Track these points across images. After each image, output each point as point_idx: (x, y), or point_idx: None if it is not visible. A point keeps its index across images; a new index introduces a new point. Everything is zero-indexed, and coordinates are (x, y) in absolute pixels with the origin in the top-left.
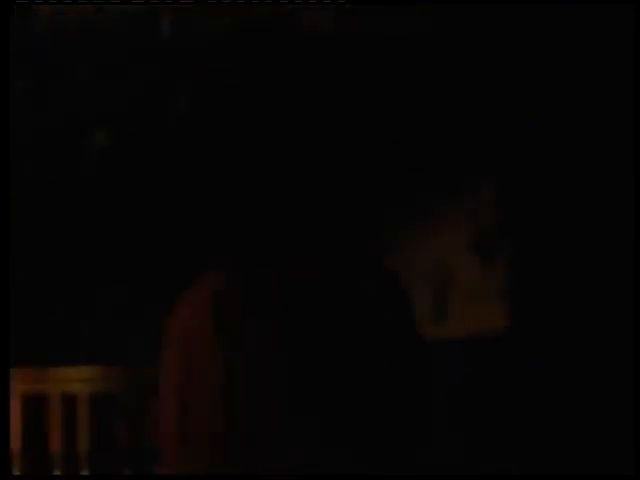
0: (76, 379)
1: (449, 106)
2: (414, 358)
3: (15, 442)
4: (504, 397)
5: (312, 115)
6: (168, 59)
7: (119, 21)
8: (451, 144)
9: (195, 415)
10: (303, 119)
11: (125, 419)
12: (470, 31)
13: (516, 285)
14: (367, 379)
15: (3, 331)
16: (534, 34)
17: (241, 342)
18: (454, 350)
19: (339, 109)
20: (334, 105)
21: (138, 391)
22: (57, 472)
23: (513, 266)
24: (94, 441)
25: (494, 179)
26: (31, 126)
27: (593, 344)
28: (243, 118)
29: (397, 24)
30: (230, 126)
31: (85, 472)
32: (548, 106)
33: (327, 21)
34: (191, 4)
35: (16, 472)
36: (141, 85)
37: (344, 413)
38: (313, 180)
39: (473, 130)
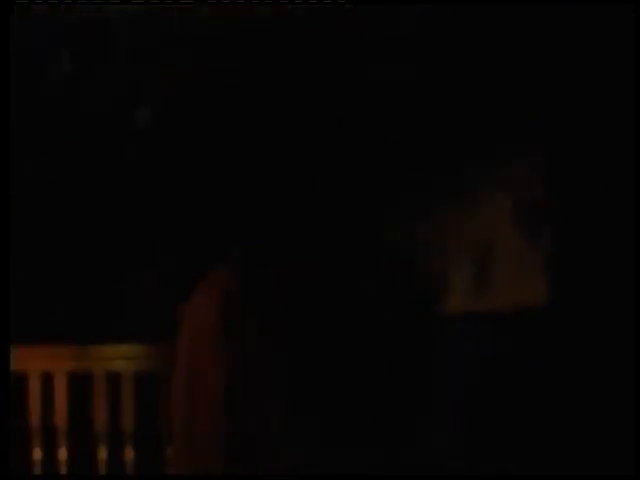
0: (121, 357)
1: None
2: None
3: (60, 420)
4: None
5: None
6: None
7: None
8: (500, 114)
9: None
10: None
11: (169, 398)
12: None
13: (561, 256)
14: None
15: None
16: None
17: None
18: (494, 323)
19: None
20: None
21: None
22: (102, 450)
23: (558, 237)
24: (139, 419)
25: (542, 148)
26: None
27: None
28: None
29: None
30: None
31: (129, 450)
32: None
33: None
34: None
35: (62, 450)
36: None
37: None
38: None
39: (521, 100)
